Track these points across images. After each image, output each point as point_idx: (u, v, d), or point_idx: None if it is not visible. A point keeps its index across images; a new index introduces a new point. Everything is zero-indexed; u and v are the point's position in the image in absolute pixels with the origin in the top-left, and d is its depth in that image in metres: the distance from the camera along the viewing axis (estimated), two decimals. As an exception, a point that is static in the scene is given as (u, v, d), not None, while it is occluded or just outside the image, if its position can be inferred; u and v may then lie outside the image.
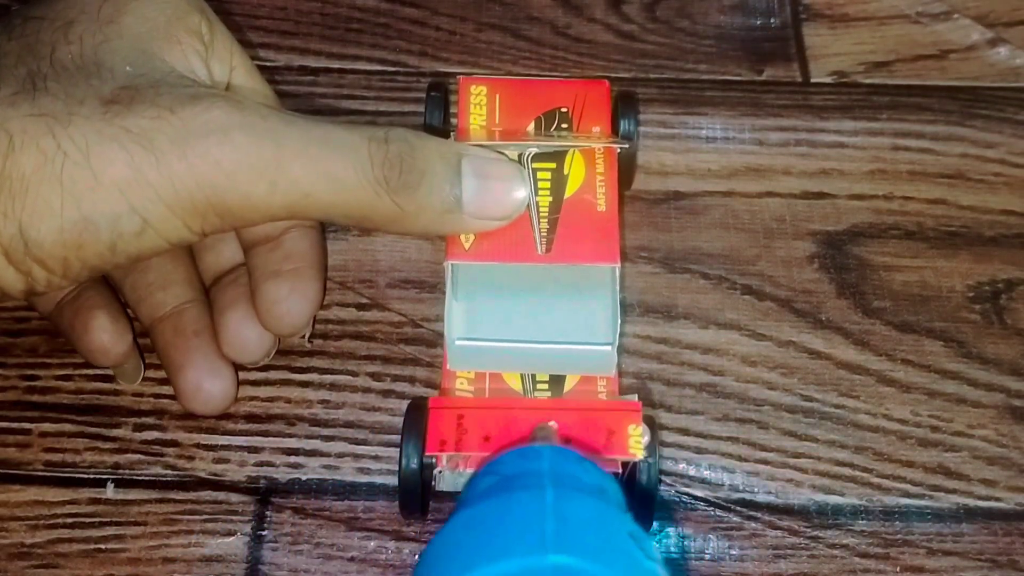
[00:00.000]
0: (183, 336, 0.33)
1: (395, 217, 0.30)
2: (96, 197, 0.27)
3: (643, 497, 0.30)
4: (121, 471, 0.33)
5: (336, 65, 0.42)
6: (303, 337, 0.35)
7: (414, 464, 0.30)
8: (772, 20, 0.44)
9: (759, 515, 0.33)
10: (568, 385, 0.32)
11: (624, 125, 0.35)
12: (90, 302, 0.33)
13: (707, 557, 0.32)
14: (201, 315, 0.33)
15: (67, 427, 0.34)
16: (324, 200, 0.29)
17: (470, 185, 0.30)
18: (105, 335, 0.33)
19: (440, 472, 0.30)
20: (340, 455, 0.34)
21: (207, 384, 0.33)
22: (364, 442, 0.34)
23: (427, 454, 0.30)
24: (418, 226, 0.30)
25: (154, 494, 0.33)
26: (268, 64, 0.42)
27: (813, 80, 0.42)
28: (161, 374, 0.34)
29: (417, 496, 0.30)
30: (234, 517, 0.32)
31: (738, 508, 0.33)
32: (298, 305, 0.32)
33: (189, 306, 0.33)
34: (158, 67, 0.29)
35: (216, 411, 0.33)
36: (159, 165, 0.27)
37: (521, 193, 0.31)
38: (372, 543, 0.32)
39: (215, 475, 0.33)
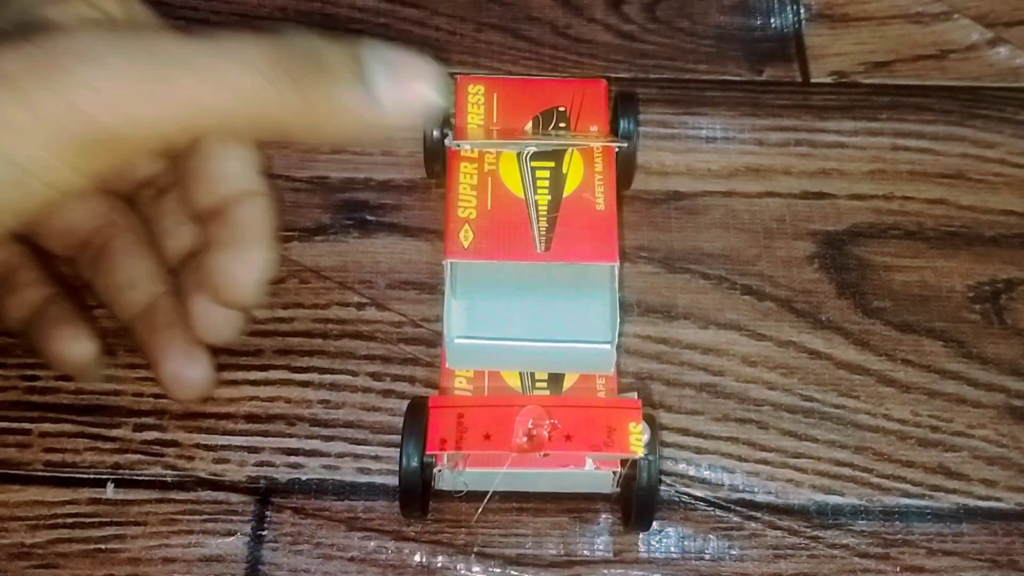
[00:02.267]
0: (157, 332, 0.33)
1: (303, 114, 0.28)
2: None
3: (643, 496, 0.30)
4: (121, 471, 0.33)
5: (336, 66, 0.42)
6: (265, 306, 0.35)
7: (415, 463, 0.30)
8: (772, 20, 0.44)
9: (759, 515, 0.33)
10: (567, 383, 0.32)
11: (624, 124, 0.35)
12: (54, 316, 0.33)
13: (707, 557, 0.32)
14: (173, 306, 0.33)
15: (67, 427, 0.34)
16: (222, 108, 0.27)
17: (379, 72, 0.28)
18: (70, 345, 0.33)
19: (440, 471, 0.30)
20: (340, 455, 0.34)
21: (184, 372, 0.32)
22: (364, 442, 0.34)
23: (428, 453, 0.30)
24: (334, 123, 0.28)
25: (154, 494, 0.33)
26: (268, 65, 0.42)
27: (813, 80, 0.42)
28: (161, 374, 0.34)
29: (418, 495, 0.30)
30: (234, 517, 0.32)
31: (738, 508, 0.33)
32: (246, 275, 0.31)
33: (160, 299, 0.33)
34: (34, 14, 0.28)
35: (199, 396, 0.33)
36: (27, 104, 0.25)
37: (432, 72, 0.29)
38: (372, 543, 0.32)
39: (215, 475, 0.33)
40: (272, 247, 0.32)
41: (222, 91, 0.27)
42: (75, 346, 0.33)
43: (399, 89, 0.28)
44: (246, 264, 0.31)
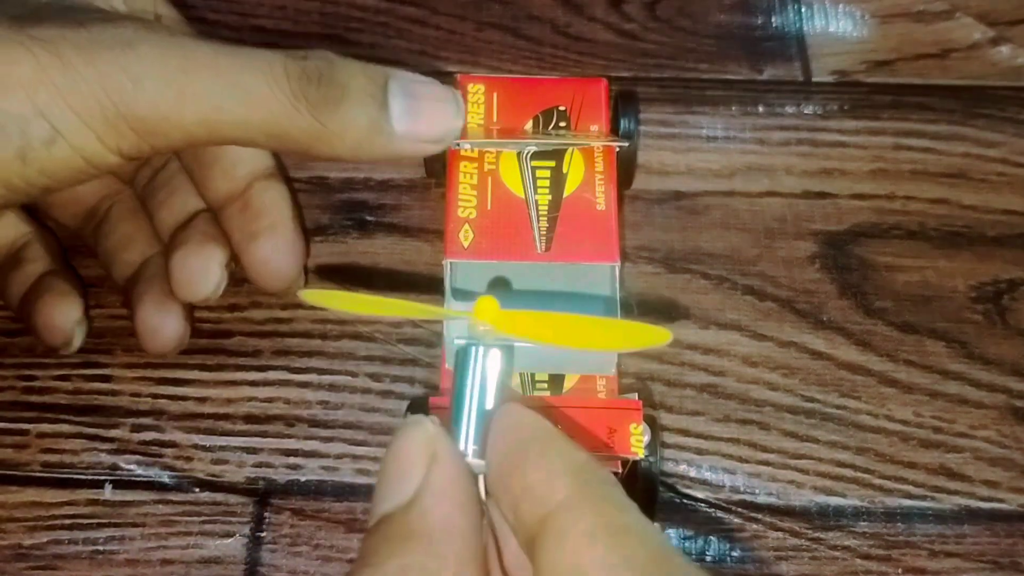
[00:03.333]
0: (140, 285, 0.34)
1: (319, 135, 0.29)
2: (1, 98, 0.27)
3: (644, 497, 0.30)
4: (119, 472, 0.33)
5: (336, 65, 0.42)
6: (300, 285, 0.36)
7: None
8: (773, 19, 0.44)
9: (760, 516, 0.33)
10: (567, 384, 0.32)
11: (624, 124, 0.35)
12: (48, 286, 0.34)
13: (708, 559, 0.32)
14: (160, 266, 0.34)
15: (65, 428, 0.34)
16: (238, 114, 0.28)
17: (399, 104, 0.29)
18: (57, 310, 0.33)
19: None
20: (339, 456, 0.33)
21: (156, 321, 0.33)
22: (363, 443, 0.34)
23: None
24: (346, 147, 0.29)
25: (152, 495, 0.33)
26: (267, 64, 0.41)
27: (814, 79, 0.42)
28: (159, 373, 0.34)
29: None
30: (232, 518, 0.32)
31: (739, 509, 0.33)
32: (286, 260, 0.33)
33: (150, 259, 0.34)
34: (77, 2, 0.29)
35: (170, 348, 0.34)
36: (65, 68, 0.27)
37: (454, 109, 0.30)
38: (371, 544, 0.32)
39: (213, 476, 0.33)
40: (301, 228, 0.33)
41: (239, 97, 0.28)
42: (62, 310, 0.33)
43: (416, 123, 0.30)
44: (283, 250, 0.32)
